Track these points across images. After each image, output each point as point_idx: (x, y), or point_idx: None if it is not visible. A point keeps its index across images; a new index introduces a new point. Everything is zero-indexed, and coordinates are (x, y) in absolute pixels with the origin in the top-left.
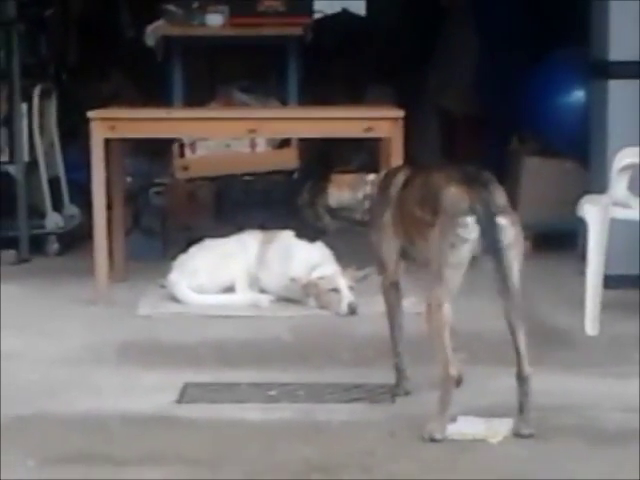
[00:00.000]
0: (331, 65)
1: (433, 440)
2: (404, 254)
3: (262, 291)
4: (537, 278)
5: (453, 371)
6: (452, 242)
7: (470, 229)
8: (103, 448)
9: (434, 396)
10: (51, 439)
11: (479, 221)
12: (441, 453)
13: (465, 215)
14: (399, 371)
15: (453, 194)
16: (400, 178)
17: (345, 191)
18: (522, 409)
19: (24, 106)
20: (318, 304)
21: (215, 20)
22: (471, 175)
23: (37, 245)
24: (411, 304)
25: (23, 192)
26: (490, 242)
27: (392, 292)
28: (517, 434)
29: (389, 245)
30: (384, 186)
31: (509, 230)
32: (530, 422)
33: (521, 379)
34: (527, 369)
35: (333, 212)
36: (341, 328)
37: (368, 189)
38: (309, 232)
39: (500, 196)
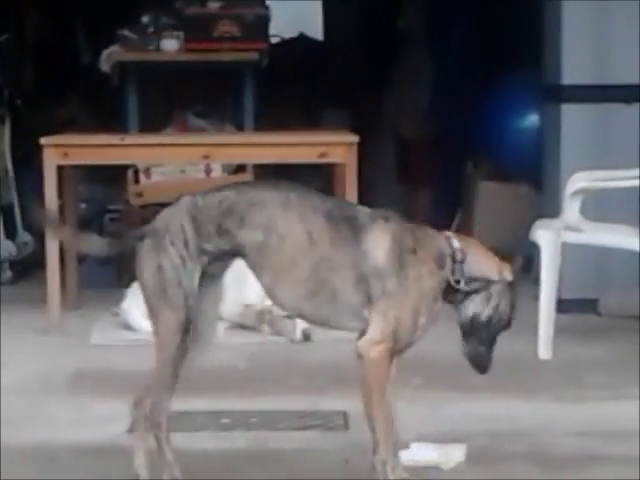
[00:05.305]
0: (287, 89)
1: None
2: None
3: None
4: None
5: None
6: None
7: None
8: (54, 478)
9: None
10: (2, 470)
11: None
12: None
13: None
14: None
15: None
16: None
17: None
18: None
19: None
20: (272, 331)
21: (170, 45)
22: None
23: None
24: None
25: None
26: None
27: None
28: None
29: None
30: None
31: None
32: None
33: None
34: None
35: None
36: (295, 355)
37: None
38: None
39: None
